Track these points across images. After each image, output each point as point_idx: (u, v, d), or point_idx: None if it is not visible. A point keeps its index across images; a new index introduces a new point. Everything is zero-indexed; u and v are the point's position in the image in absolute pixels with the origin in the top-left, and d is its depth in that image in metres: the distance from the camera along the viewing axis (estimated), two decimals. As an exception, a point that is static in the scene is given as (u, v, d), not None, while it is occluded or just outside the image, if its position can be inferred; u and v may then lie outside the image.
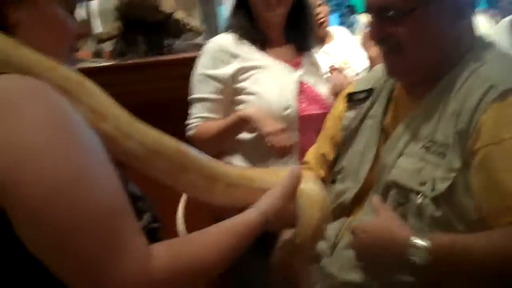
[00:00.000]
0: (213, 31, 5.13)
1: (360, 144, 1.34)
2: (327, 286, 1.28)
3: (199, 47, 2.11)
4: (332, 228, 1.29)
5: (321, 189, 1.16)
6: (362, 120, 1.37)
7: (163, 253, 0.83)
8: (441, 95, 1.22)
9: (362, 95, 1.40)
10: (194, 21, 2.85)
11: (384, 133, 1.31)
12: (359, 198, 1.30)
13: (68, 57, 0.98)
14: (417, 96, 1.27)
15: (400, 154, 1.22)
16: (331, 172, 1.41)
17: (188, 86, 1.95)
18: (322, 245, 1.29)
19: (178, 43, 2.72)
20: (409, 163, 1.20)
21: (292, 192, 1.07)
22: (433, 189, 1.15)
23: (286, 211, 1.06)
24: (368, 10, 1.26)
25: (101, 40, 2.68)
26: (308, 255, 1.21)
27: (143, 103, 1.82)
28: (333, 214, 1.30)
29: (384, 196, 1.22)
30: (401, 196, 1.19)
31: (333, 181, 1.39)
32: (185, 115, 1.95)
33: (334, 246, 1.29)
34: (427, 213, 1.15)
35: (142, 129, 0.99)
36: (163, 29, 2.65)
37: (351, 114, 1.41)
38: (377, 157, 1.29)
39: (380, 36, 1.24)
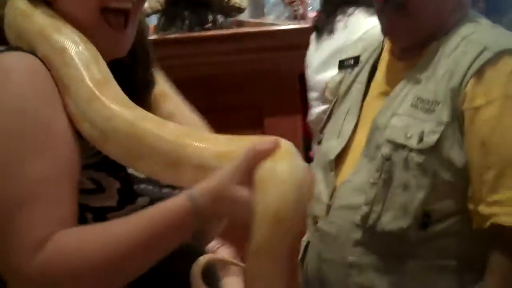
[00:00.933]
0: (259, 10, 5.15)
1: (345, 106, 1.39)
2: (326, 247, 1.30)
3: (241, 24, 2.13)
4: (323, 187, 1.33)
5: (293, 169, 0.82)
6: (350, 86, 1.42)
7: (53, 247, 0.80)
8: (432, 59, 1.27)
9: (350, 62, 1.45)
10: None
11: (366, 99, 1.37)
12: (343, 156, 1.34)
13: (100, 19, 0.96)
14: (407, 61, 1.31)
15: (393, 115, 1.26)
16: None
17: (233, 62, 1.97)
18: (316, 207, 1.32)
19: (221, 19, 2.75)
20: (399, 121, 1.25)
21: (244, 171, 0.81)
22: (420, 141, 1.20)
23: (232, 196, 0.80)
24: None
25: (145, 14, 2.72)
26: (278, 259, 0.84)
27: (186, 78, 1.86)
28: (322, 172, 1.34)
29: (373, 157, 1.26)
30: (389, 151, 1.23)
31: (319, 142, 1.45)
32: (226, 90, 1.98)
33: (329, 207, 1.31)
34: (413, 164, 1.20)
35: (98, 108, 0.88)
36: (207, 4, 2.67)
37: (338, 77, 1.47)
38: (359, 119, 1.35)
39: None
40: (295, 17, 3.59)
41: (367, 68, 1.41)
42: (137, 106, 0.91)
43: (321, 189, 1.33)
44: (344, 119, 1.38)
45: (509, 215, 1.15)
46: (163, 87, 1.14)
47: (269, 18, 4.08)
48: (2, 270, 0.85)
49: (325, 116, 1.48)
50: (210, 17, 2.71)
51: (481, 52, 1.20)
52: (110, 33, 0.96)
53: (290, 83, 2.44)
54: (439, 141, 1.19)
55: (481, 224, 1.18)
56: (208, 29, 2.63)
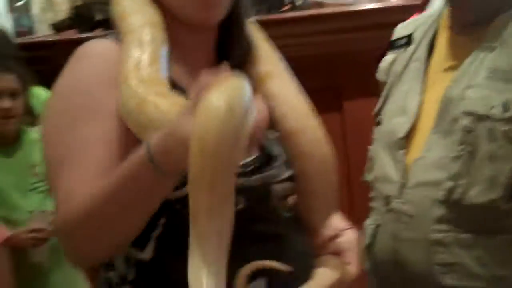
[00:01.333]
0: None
1: (405, 85, 1.36)
2: (404, 227, 1.27)
3: (321, 5, 2.10)
4: (391, 166, 1.30)
5: (223, 97, 0.76)
6: (405, 65, 1.39)
7: (69, 203, 0.91)
8: (502, 31, 1.25)
9: (402, 41, 1.43)
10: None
11: (429, 75, 1.35)
12: (410, 134, 1.31)
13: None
14: (472, 35, 1.29)
15: (468, 87, 1.23)
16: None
17: (310, 43, 1.95)
18: (387, 188, 1.30)
19: (299, 1, 2.72)
20: (476, 93, 1.22)
21: (191, 110, 0.77)
22: (506, 111, 1.18)
23: (182, 135, 0.77)
24: None
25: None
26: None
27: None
28: (388, 151, 1.32)
29: (450, 131, 1.23)
30: (471, 123, 1.20)
31: (378, 123, 1.41)
32: (304, 72, 1.96)
33: (402, 186, 1.28)
34: (500, 135, 1.18)
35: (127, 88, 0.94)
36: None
37: (390, 57, 1.45)
38: (423, 96, 1.32)
39: None
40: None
41: (424, 46, 1.38)
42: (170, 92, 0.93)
43: (389, 169, 1.31)
44: (406, 97, 1.35)
45: None
46: (271, 67, 1.13)
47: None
48: None
49: (382, 99, 1.45)
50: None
51: None
52: (201, 11, 1.00)
53: (370, 65, 2.39)
54: None
55: None
56: (287, 11, 2.61)
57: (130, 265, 0.99)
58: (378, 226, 1.35)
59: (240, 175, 0.94)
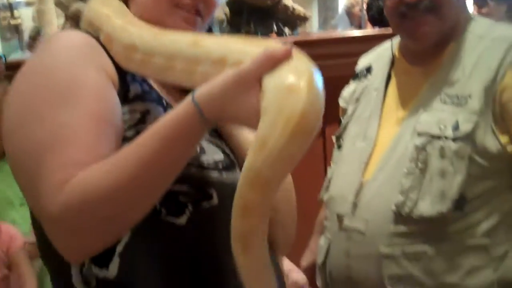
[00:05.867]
0: (327, 21, 5.16)
1: (366, 112, 1.43)
2: (355, 244, 1.31)
3: (309, 35, 2.13)
4: (347, 187, 1.36)
5: (312, 81, 0.76)
6: (362, 92, 1.47)
7: (71, 187, 0.80)
8: (454, 59, 1.33)
9: (364, 72, 1.51)
10: (304, 8, 2.88)
11: (386, 103, 1.42)
12: (369, 158, 1.38)
13: (172, 13, 0.97)
14: (426, 66, 1.36)
15: (422, 112, 1.31)
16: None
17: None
18: (340, 207, 1.35)
19: (288, 32, 2.76)
20: (430, 116, 1.30)
21: (251, 77, 0.77)
22: (455, 130, 1.26)
23: (234, 102, 0.77)
24: None
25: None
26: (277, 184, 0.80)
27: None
28: (348, 173, 1.39)
29: (403, 152, 1.30)
30: (423, 142, 1.28)
31: (339, 147, 1.48)
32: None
33: (355, 205, 1.33)
34: (450, 152, 1.25)
35: (127, 29, 0.94)
36: (272, 14, 2.70)
37: (352, 87, 1.52)
38: (381, 122, 1.40)
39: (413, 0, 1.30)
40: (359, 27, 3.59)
41: (382, 76, 1.46)
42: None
43: (345, 189, 1.37)
44: (367, 125, 1.42)
45: None
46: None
47: (338, 31, 4.08)
48: (35, 211, 0.88)
49: (343, 125, 1.51)
50: (275, 28, 2.73)
51: (509, 49, 1.27)
52: (182, 27, 0.97)
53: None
54: (473, 129, 1.26)
55: None
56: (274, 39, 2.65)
57: (91, 285, 0.90)
58: (330, 244, 1.39)
59: (212, 169, 0.94)
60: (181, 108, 0.79)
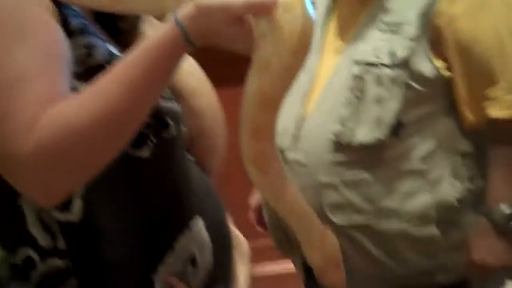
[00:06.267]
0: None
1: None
2: (296, 177, 1.31)
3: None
4: (290, 120, 1.37)
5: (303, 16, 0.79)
6: None
7: (43, 124, 0.77)
8: None
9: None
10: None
11: (327, 36, 1.45)
12: (310, 91, 1.40)
13: None
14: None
15: (360, 42, 1.35)
16: None
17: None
18: (282, 140, 1.35)
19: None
20: (367, 45, 1.34)
21: (238, 12, 0.78)
22: (391, 57, 1.29)
23: (218, 28, 0.78)
24: None
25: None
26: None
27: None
28: (292, 107, 1.37)
29: (341, 82, 1.33)
30: (360, 71, 1.31)
31: None
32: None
33: (296, 137, 1.36)
34: (386, 79, 1.29)
35: None
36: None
37: None
38: (322, 53, 1.42)
39: None
40: None
41: (323, 9, 1.48)
42: None
43: (288, 122, 1.37)
44: (309, 57, 1.40)
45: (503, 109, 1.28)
46: (192, 83, 1.07)
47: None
48: None
49: None
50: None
51: None
52: None
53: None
54: (409, 55, 1.29)
55: (476, 122, 1.31)
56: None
57: (54, 232, 0.87)
58: None
59: (162, 97, 0.92)
60: (165, 30, 0.79)
